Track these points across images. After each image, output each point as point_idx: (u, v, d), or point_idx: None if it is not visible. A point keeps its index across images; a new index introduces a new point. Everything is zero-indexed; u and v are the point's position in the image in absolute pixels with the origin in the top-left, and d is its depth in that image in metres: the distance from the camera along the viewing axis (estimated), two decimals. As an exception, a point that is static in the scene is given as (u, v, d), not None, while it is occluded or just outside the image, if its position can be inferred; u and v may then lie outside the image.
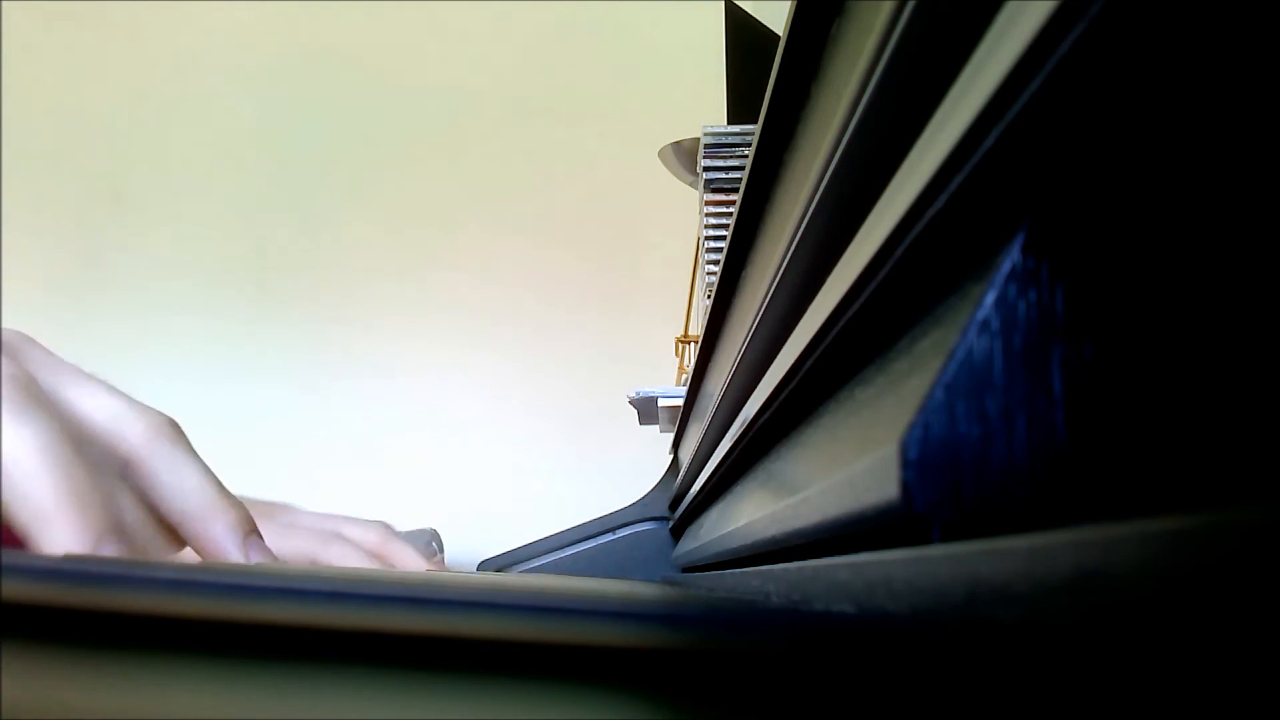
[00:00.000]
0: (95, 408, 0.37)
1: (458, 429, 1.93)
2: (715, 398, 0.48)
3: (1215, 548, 0.08)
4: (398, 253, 1.98)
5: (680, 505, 0.74)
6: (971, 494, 0.14)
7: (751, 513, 0.31)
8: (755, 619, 0.18)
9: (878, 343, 0.22)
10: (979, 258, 0.16)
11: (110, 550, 0.34)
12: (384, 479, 1.89)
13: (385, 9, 2.01)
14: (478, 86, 2.00)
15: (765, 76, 0.32)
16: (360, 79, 2.01)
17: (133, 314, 1.98)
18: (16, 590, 0.14)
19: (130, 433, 0.38)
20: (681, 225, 1.60)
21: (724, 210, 1.02)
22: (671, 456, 0.91)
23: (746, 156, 0.54)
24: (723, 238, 1.00)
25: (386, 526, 0.72)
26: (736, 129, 1.03)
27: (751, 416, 0.36)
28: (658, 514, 0.85)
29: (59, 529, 0.33)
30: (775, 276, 0.30)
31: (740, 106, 1.09)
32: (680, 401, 0.79)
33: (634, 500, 0.87)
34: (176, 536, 0.39)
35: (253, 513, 0.41)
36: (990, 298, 0.14)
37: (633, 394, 1.14)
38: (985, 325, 0.14)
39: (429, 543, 1.46)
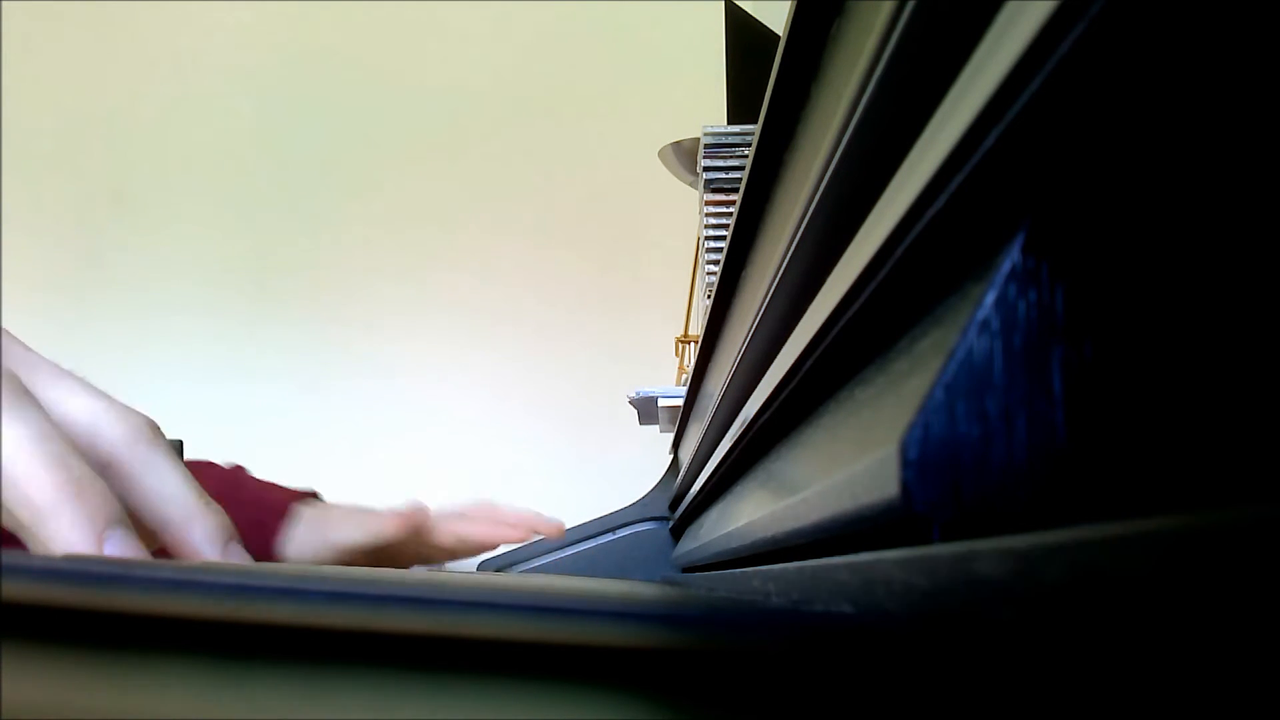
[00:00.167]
0: (74, 408, 0.37)
1: (458, 429, 1.93)
2: (715, 398, 0.48)
3: (1215, 548, 0.08)
4: (398, 253, 1.98)
5: (680, 505, 0.74)
6: (971, 494, 0.14)
7: (751, 513, 0.31)
8: (755, 619, 0.18)
9: (878, 343, 0.22)
10: (979, 258, 0.16)
11: (117, 540, 0.33)
12: (384, 479, 1.89)
13: (385, 9, 2.01)
14: (478, 86, 2.00)
15: (765, 76, 0.32)
16: (360, 79, 2.01)
17: (133, 314, 1.98)
18: (16, 590, 0.14)
19: (109, 435, 0.37)
20: (681, 225, 1.60)
21: (724, 210, 1.02)
22: (671, 456, 0.91)
23: (746, 156, 0.54)
24: (723, 238, 1.00)
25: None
26: (736, 129, 1.03)
27: (751, 416, 0.36)
28: (658, 514, 0.85)
29: (61, 525, 0.32)
30: (775, 276, 0.30)
31: (740, 106, 1.09)
32: (680, 401, 0.79)
33: (634, 500, 0.87)
34: (153, 540, 0.38)
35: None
36: (990, 298, 0.14)
37: (633, 394, 1.14)
38: (985, 325, 0.14)
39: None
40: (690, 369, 0.77)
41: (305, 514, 0.75)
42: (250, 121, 2.02)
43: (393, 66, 2.01)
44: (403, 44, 2.02)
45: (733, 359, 0.41)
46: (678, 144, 1.28)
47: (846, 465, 0.18)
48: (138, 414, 0.39)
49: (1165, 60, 0.12)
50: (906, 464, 0.14)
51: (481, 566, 0.86)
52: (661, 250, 1.85)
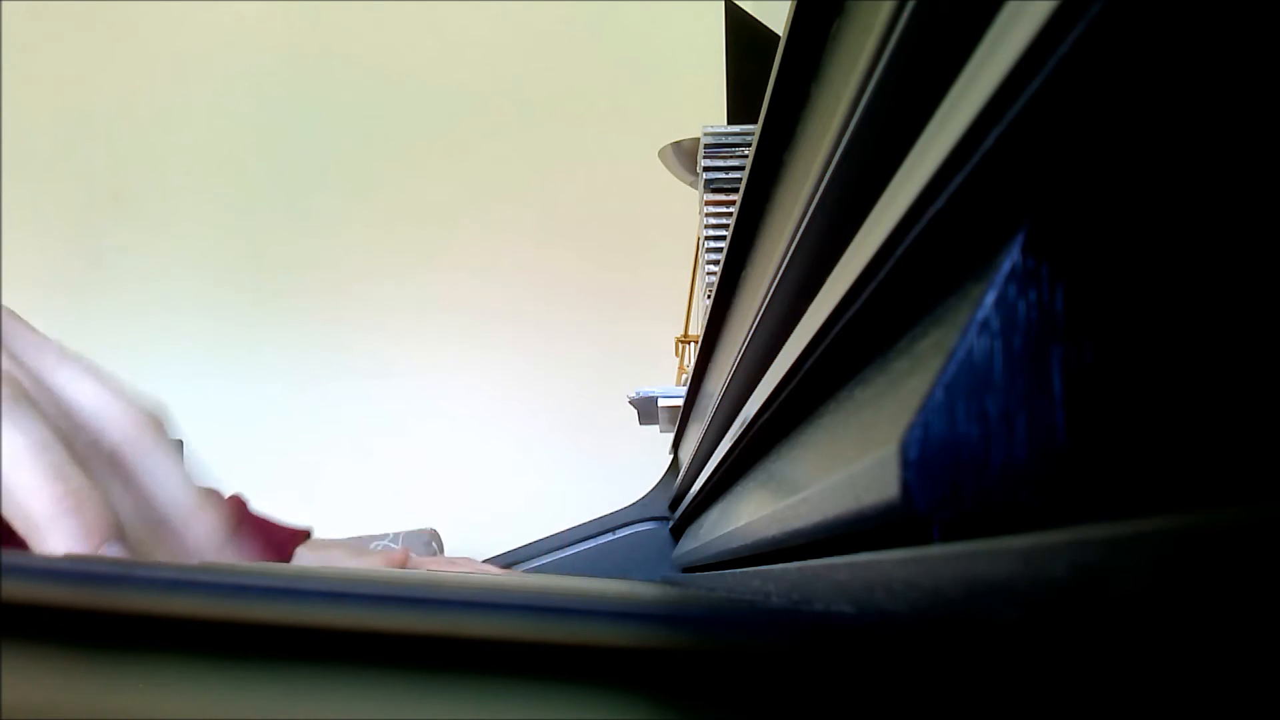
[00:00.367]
0: (81, 395, 0.37)
1: (458, 429, 1.93)
2: (715, 398, 0.48)
3: (1215, 548, 0.08)
4: (398, 252, 1.98)
5: (680, 505, 0.74)
6: (971, 494, 0.14)
7: (751, 513, 0.31)
8: (755, 619, 0.18)
9: (878, 343, 0.22)
10: (979, 258, 0.16)
11: (112, 553, 0.33)
12: (384, 479, 1.89)
13: (385, 9, 2.01)
14: (478, 86, 2.00)
15: (765, 76, 0.32)
16: (360, 79, 2.01)
17: (133, 314, 1.98)
18: (16, 590, 0.14)
19: (116, 426, 0.37)
20: (681, 225, 1.60)
21: (724, 210, 1.02)
22: (671, 456, 0.91)
23: (746, 156, 0.54)
24: (723, 238, 1.00)
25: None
26: (736, 129, 1.03)
27: (751, 416, 0.36)
28: (658, 514, 0.85)
29: (58, 538, 0.32)
30: (775, 276, 0.30)
31: (740, 106, 1.09)
32: (680, 401, 0.79)
33: (634, 500, 0.87)
34: (157, 535, 0.38)
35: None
36: (990, 298, 0.14)
37: (633, 394, 1.14)
38: (985, 325, 0.14)
39: (429, 543, 1.46)
40: (690, 369, 0.77)
41: (305, 556, 0.76)
42: (250, 121, 2.02)
43: (393, 66, 2.01)
44: (403, 44, 2.02)
45: (733, 359, 0.41)
46: (678, 144, 1.28)
47: (846, 465, 0.18)
48: (144, 406, 0.38)
49: (1165, 61, 0.12)
50: (907, 464, 0.14)
51: (481, 566, 0.86)
52: (661, 250, 1.85)
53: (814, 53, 0.28)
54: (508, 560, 0.85)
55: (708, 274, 1.01)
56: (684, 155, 1.28)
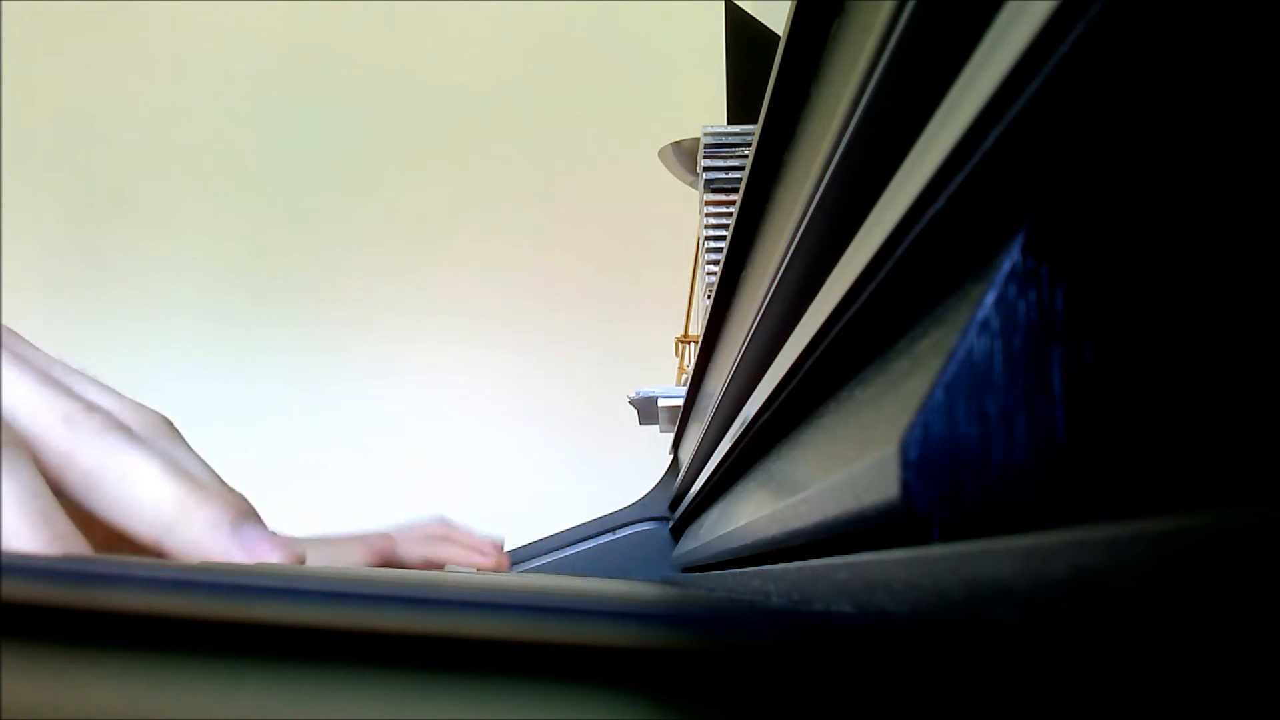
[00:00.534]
0: (102, 400, 0.37)
1: (458, 429, 1.93)
2: (715, 398, 0.48)
3: (1215, 548, 0.08)
4: (398, 252, 1.98)
5: (680, 505, 0.74)
6: (971, 494, 0.14)
7: (751, 513, 0.31)
8: (755, 619, 0.18)
9: (878, 343, 0.22)
10: (979, 258, 0.16)
11: None
12: (385, 479, 1.89)
13: (385, 9, 2.01)
14: (478, 87, 2.00)
15: (765, 76, 0.32)
16: (360, 79, 2.01)
17: (132, 314, 1.98)
18: (16, 590, 0.14)
19: (135, 423, 0.37)
20: (681, 225, 1.60)
21: (724, 210, 1.02)
22: (671, 456, 0.91)
23: (746, 156, 0.54)
24: (723, 238, 1.00)
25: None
26: (736, 129, 1.03)
27: (751, 416, 0.36)
28: (658, 514, 0.85)
29: None
30: (775, 276, 0.30)
31: (740, 106, 1.09)
32: (680, 401, 0.79)
33: (634, 500, 0.87)
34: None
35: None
36: (990, 298, 0.14)
37: (633, 394, 1.14)
38: (985, 325, 0.14)
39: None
40: (690, 369, 0.77)
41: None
42: (250, 121, 2.02)
43: (393, 67, 2.01)
44: (403, 44, 2.02)
45: (733, 359, 0.41)
46: (678, 144, 1.29)
47: (847, 465, 0.18)
48: (153, 411, 0.39)
49: (1165, 61, 0.12)
50: (907, 464, 0.14)
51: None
52: (661, 251, 1.85)
53: (814, 53, 0.28)
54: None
55: (708, 274, 1.01)
56: (684, 155, 1.28)
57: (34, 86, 2.02)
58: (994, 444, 0.14)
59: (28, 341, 0.38)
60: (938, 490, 0.14)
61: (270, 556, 0.35)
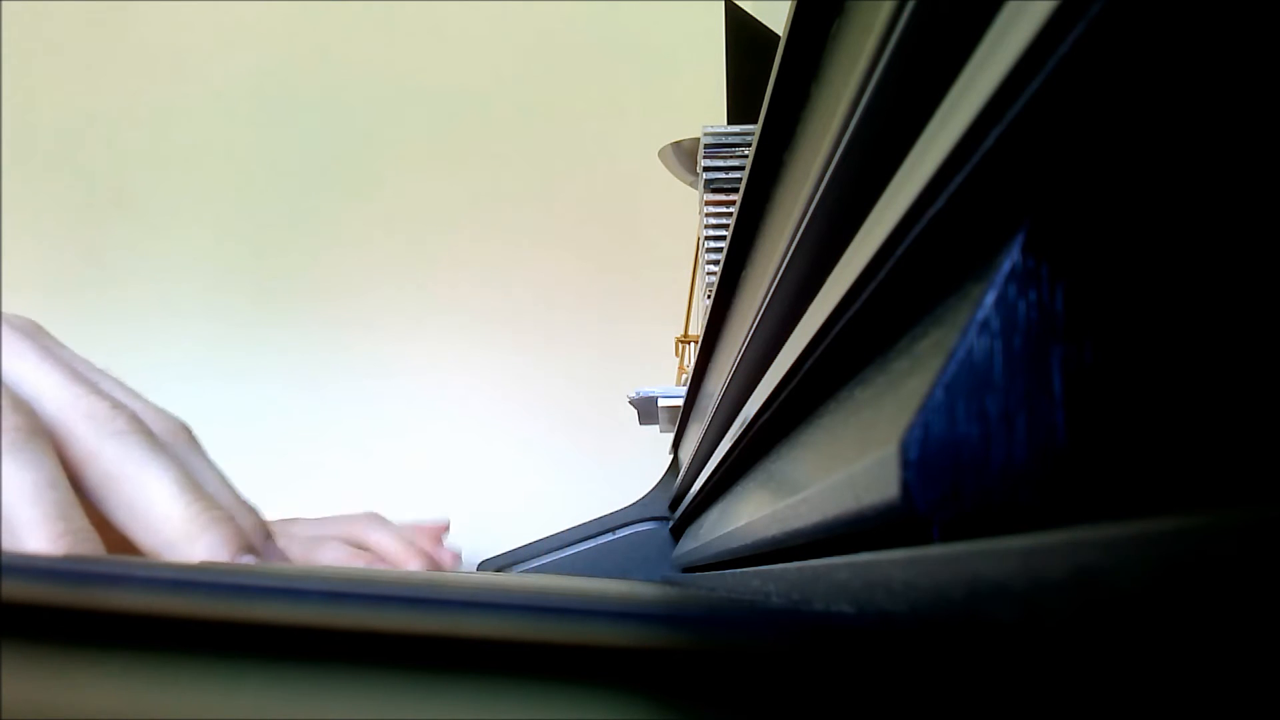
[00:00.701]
0: (128, 401, 0.38)
1: (458, 429, 1.93)
2: (715, 398, 0.48)
3: (1215, 548, 0.08)
4: (398, 252, 1.98)
5: (680, 505, 0.74)
6: (971, 494, 0.14)
7: (751, 513, 0.31)
8: (755, 619, 0.18)
9: (878, 343, 0.22)
10: (979, 258, 0.16)
11: None
12: (384, 479, 1.89)
13: (385, 9, 2.01)
14: (478, 87, 2.00)
15: (765, 76, 0.32)
16: (360, 79, 2.01)
17: (133, 314, 1.98)
18: (16, 590, 0.14)
19: (156, 428, 0.38)
20: (681, 225, 1.60)
21: (724, 210, 1.02)
22: (671, 456, 0.91)
23: (746, 156, 0.54)
24: (723, 238, 1.00)
25: (374, 517, 0.74)
26: (736, 129, 1.03)
27: (751, 416, 0.36)
28: (658, 514, 0.85)
29: None
30: (775, 276, 0.30)
31: (740, 106, 1.09)
32: (680, 401, 0.79)
33: (634, 500, 0.87)
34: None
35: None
36: (990, 298, 0.14)
37: (633, 394, 1.14)
38: (985, 325, 0.14)
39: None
40: (690, 369, 0.77)
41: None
42: (250, 121, 2.02)
43: (393, 67, 2.01)
44: (403, 45, 2.02)
45: (733, 359, 0.41)
46: (678, 144, 1.28)
47: (846, 465, 0.18)
48: (173, 416, 0.39)
49: (1165, 60, 0.12)
50: (906, 464, 0.14)
51: (481, 566, 0.86)
52: (661, 250, 1.85)
53: (814, 53, 0.28)
54: (508, 560, 0.85)
55: (708, 274, 1.01)
56: (684, 155, 1.28)
57: (34, 86, 2.01)
58: (994, 444, 0.14)
59: (55, 339, 0.38)
60: (938, 490, 0.14)
61: None
